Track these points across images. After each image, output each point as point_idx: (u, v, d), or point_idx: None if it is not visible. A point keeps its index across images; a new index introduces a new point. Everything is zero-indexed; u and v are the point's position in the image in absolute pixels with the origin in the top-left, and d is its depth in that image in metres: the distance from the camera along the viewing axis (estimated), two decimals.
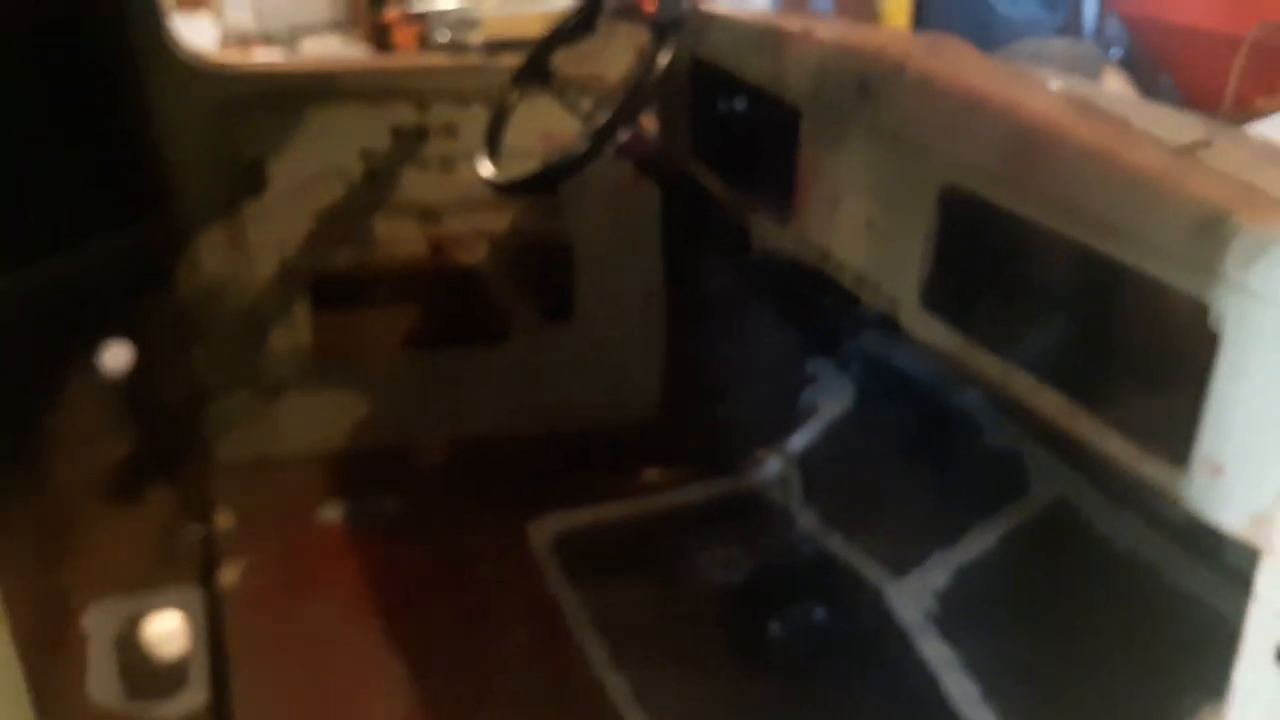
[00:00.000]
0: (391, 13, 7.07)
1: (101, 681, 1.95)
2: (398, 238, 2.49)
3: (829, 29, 1.92)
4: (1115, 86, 4.97)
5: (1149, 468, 1.26)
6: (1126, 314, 1.36)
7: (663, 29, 1.77)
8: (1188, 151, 1.27)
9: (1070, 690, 1.75)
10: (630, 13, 1.81)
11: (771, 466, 2.49)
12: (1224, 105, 4.69)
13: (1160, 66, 5.50)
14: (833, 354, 2.50)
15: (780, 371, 2.59)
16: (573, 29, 2.15)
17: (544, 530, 2.34)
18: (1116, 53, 5.64)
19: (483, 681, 1.95)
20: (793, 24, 1.97)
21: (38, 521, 2.08)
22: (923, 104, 1.57)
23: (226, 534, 2.29)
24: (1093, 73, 5.10)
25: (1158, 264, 1.21)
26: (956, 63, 1.61)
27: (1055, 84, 1.58)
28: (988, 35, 5.83)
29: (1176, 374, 1.20)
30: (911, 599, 2.03)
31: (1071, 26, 6.06)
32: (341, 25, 7.82)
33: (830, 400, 2.49)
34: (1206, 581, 1.65)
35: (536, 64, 2.09)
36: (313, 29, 7.70)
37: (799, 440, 2.48)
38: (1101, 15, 5.89)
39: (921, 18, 4.74)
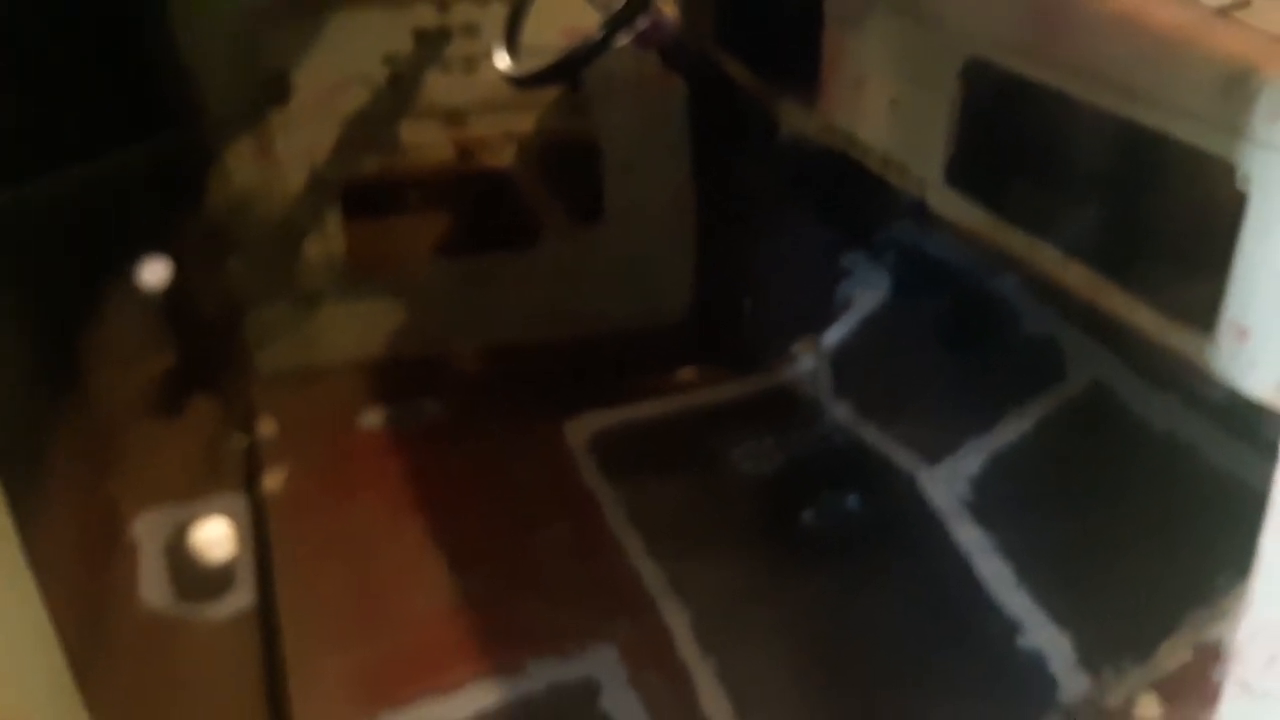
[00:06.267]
0: None
1: (153, 585, 2.00)
2: (424, 142, 2.48)
3: None
4: None
5: (1176, 336, 1.25)
6: (1153, 181, 1.33)
7: None
8: (1224, 12, 1.23)
9: (1105, 571, 1.75)
10: None
11: (805, 362, 2.48)
12: None
13: None
14: (866, 246, 2.47)
15: (813, 266, 2.56)
16: None
17: (580, 429, 2.35)
18: None
19: (522, 575, 1.97)
20: None
21: (85, 435, 2.14)
22: None
23: (269, 442, 2.33)
24: None
25: (1184, 126, 1.19)
26: None
27: None
28: None
29: (1203, 238, 1.19)
30: (945, 485, 2.03)
31: None
32: None
33: (865, 293, 2.47)
34: (1245, 460, 1.64)
35: None
36: None
37: (833, 334, 2.47)
38: None
39: None
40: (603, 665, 1.79)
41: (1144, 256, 1.34)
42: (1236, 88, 1.10)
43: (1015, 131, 1.51)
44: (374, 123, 2.43)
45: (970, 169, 1.55)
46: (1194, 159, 1.17)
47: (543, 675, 1.78)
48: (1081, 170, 1.45)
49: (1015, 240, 1.47)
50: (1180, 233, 1.30)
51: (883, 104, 1.71)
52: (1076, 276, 1.39)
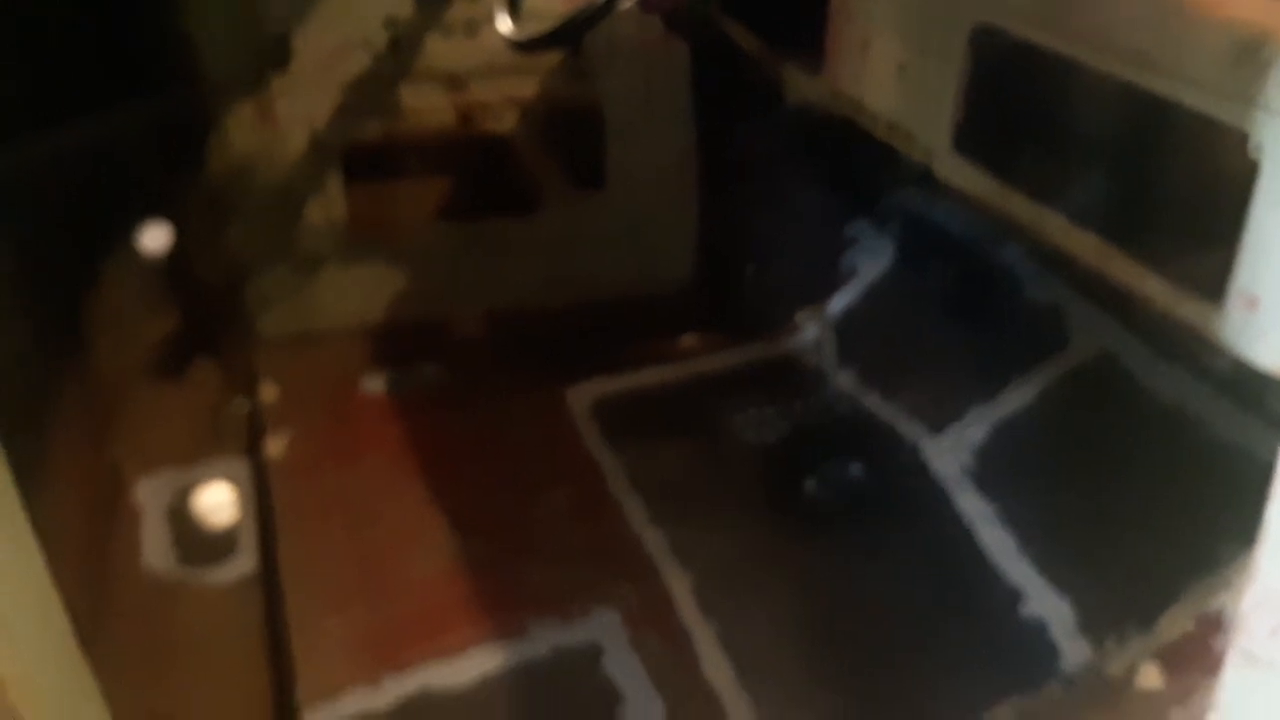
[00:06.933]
0: None
1: (156, 550, 2.00)
2: (425, 107, 2.45)
3: None
4: None
5: (1185, 306, 1.25)
6: (1163, 149, 1.32)
7: None
8: None
9: (1108, 541, 1.74)
10: None
11: (809, 330, 2.47)
12: None
13: None
14: (872, 213, 2.45)
15: (818, 233, 2.55)
16: None
17: (583, 395, 2.34)
18: None
19: (524, 539, 1.97)
20: None
21: (87, 400, 2.13)
22: None
23: (271, 406, 2.33)
24: None
25: (1195, 94, 1.18)
26: None
27: None
28: None
29: (1214, 207, 1.18)
30: (949, 454, 2.02)
31: None
32: None
33: (870, 261, 2.45)
34: (1251, 431, 1.63)
35: None
36: None
37: (837, 302, 2.46)
38: None
39: None
40: (605, 629, 1.79)
41: (1153, 225, 1.33)
42: (1249, 56, 1.10)
43: (1024, 98, 1.49)
44: (375, 87, 2.41)
45: (978, 136, 1.54)
46: (1205, 127, 1.16)
47: (545, 639, 1.78)
48: (1090, 138, 1.43)
49: (1023, 208, 1.46)
50: (1190, 201, 1.29)
51: (890, 70, 1.69)
52: (1084, 245, 1.38)
